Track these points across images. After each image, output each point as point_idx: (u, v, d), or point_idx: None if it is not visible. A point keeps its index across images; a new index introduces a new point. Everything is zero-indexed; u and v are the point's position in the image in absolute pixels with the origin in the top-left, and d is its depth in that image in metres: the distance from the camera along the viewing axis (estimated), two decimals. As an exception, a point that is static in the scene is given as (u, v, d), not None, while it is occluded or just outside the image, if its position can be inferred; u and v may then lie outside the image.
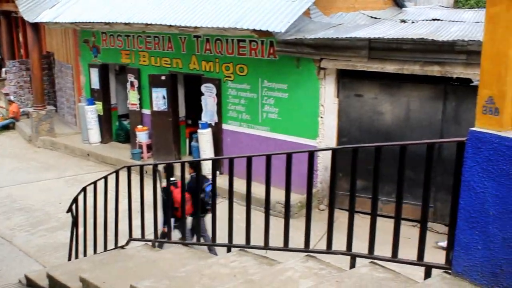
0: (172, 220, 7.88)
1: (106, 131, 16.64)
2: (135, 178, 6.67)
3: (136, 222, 6.96)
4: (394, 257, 4.36)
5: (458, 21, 12.07)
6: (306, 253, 5.01)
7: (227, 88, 12.85)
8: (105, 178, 7.28)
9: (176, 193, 7.84)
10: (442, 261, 3.95)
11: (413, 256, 4.25)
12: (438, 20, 12.45)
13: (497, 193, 3.27)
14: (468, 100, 9.82)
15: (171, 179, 7.10)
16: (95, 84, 16.46)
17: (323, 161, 11.26)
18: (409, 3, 17.08)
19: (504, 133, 3.22)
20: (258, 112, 12.40)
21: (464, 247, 3.52)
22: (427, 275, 4.13)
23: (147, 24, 12.83)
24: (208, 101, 13.22)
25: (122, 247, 7.19)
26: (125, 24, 13.40)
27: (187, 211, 7.86)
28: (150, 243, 6.84)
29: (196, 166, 7.39)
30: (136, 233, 7.03)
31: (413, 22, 12.31)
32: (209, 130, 13.11)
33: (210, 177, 6.83)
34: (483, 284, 3.43)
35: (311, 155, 4.97)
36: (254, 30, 10.89)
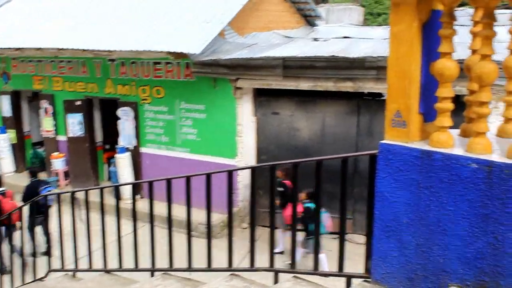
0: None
1: (20, 160, 16.10)
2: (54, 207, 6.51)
3: (57, 252, 6.79)
4: (315, 270, 4.46)
5: (368, 38, 12.52)
6: (230, 272, 5.04)
7: (144, 111, 12.75)
8: (20, 209, 7.07)
9: (4, 202, 8.58)
10: (362, 271, 4.08)
11: (335, 268, 4.37)
12: (349, 37, 12.87)
13: (409, 201, 3.42)
14: (380, 114, 10.17)
15: (0, 189, 7.40)
16: (7, 111, 15.92)
17: (243, 179, 11.34)
18: (320, 21, 17.55)
19: (412, 144, 3.38)
20: (176, 134, 12.37)
21: (381, 255, 3.66)
22: (348, 285, 4.25)
23: (59, 49, 12.59)
24: (126, 125, 13.06)
25: (41, 279, 6.97)
26: (37, 49, 13.08)
27: (14, 220, 8.11)
28: (71, 273, 6.67)
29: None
30: (57, 264, 6.85)
31: (325, 40, 12.67)
32: (127, 154, 12.94)
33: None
34: (400, 290, 3.57)
35: (230, 174, 5.02)
36: (170, 52, 10.91)
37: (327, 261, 7.99)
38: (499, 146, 3.30)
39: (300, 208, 8.74)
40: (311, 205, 8.86)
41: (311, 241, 8.86)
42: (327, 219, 9.08)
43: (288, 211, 9.27)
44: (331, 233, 9.10)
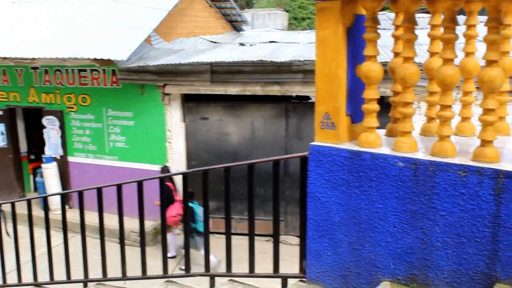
0: None
1: None
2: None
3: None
4: (251, 273, 4.50)
5: (294, 43, 12.70)
6: (165, 279, 5.01)
7: (71, 119, 12.46)
8: None
9: None
10: (297, 271, 4.15)
11: (270, 269, 4.42)
12: (275, 42, 13.01)
13: (340, 201, 3.52)
14: (308, 116, 10.36)
15: None
16: None
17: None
18: (246, 26, 17.68)
19: (341, 145, 3.48)
20: (104, 142, 12.15)
21: (315, 255, 3.74)
22: (284, 285, 4.31)
23: (-24, 57, 12.13)
24: (51, 134, 12.73)
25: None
26: (-47, 58, 12.56)
27: None
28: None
29: None
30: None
31: (251, 45, 12.76)
32: (54, 164, 12.60)
33: None
34: (335, 287, 3.65)
35: (162, 181, 5.00)
36: (95, 59, 10.71)
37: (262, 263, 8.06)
38: (423, 145, 3.44)
39: (181, 208, 8.87)
40: (192, 205, 9.19)
41: (191, 239, 9.08)
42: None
43: (170, 211, 9.51)
44: (265, 235, 9.19)
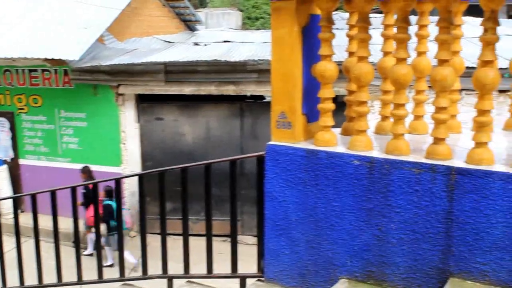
0: None
1: None
2: None
3: None
4: (209, 273, 4.49)
5: (248, 42, 12.71)
6: (122, 282, 4.95)
7: (22, 120, 12.18)
8: None
9: None
10: (256, 271, 4.15)
11: (228, 270, 4.41)
12: (229, 41, 13.01)
13: (297, 200, 3.53)
14: (263, 116, 10.38)
15: None
16: None
17: (130, 187, 11.14)
18: (200, 26, 17.61)
19: (297, 144, 3.50)
20: (57, 144, 11.93)
21: (273, 254, 3.74)
22: (242, 285, 4.31)
23: None
24: (1, 136, 12.43)
25: None
26: None
27: None
28: None
29: None
30: None
31: (205, 45, 12.72)
32: (4, 167, 12.31)
33: None
34: (293, 285, 3.67)
35: (118, 182, 4.94)
36: (46, 59, 10.51)
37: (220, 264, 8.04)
38: (378, 143, 3.49)
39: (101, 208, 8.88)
40: (111, 203, 9.27)
41: (112, 237, 9.30)
42: (127, 216, 9.39)
43: (90, 212, 9.38)
44: (222, 235, 9.16)
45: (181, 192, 4.50)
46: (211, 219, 4.48)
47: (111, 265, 9.28)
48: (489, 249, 2.96)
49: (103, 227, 9.02)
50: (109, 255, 9.67)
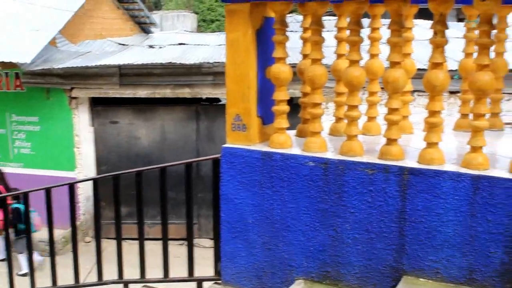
0: None
1: None
2: None
3: None
4: (166, 277, 4.46)
5: (203, 45, 12.68)
6: (76, 288, 4.88)
7: (-29, 125, 11.88)
8: None
9: None
10: (212, 274, 4.15)
11: (185, 273, 4.39)
12: (184, 44, 12.94)
13: (253, 202, 3.54)
14: (219, 118, 10.37)
15: None
16: None
17: (85, 191, 10.97)
18: (155, 28, 17.47)
19: (252, 146, 3.51)
20: (9, 149, 11.66)
21: (229, 257, 3.74)
22: (199, 288, 4.30)
23: None
24: (-50, 141, 12.09)
25: None
26: None
27: None
28: None
29: None
30: None
31: (160, 47, 12.63)
32: (-47, 172, 11.98)
33: None
34: (250, 287, 3.68)
35: (72, 187, 4.86)
36: (-4, 62, 10.28)
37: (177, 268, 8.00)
38: (332, 144, 3.52)
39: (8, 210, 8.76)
40: (19, 206, 8.97)
41: (21, 240, 8.97)
42: (36, 219, 9.26)
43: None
44: (178, 239, 9.12)
45: (136, 196, 4.46)
46: (167, 223, 4.45)
47: (24, 275, 9.01)
48: (440, 247, 3.03)
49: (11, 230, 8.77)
50: (23, 263, 9.43)
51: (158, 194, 4.36)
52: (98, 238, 4.83)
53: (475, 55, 3.07)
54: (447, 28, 3.00)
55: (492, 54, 3.52)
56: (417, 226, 3.08)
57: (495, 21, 3.60)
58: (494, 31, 3.17)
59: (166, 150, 10.89)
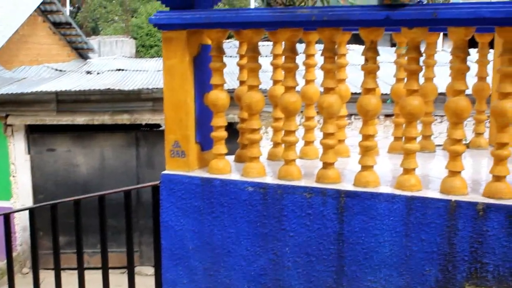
0: None
1: None
2: None
3: None
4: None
5: (142, 70, 12.64)
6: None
7: None
8: None
9: None
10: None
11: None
12: (123, 70, 12.87)
13: (193, 228, 3.54)
14: (159, 144, 10.30)
15: None
16: None
17: (21, 221, 10.67)
18: (93, 54, 17.29)
19: (192, 173, 3.52)
20: None
21: (171, 284, 3.71)
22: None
23: None
24: None
25: None
26: None
27: None
28: None
29: None
30: None
31: (98, 73, 12.52)
32: None
33: None
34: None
35: (7, 217, 4.74)
36: None
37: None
38: (271, 169, 3.57)
39: None
40: None
41: None
42: None
43: None
44: (119, 267, 8.97)
45: (75, 225, 4.38)
46: (106, 251, 4.39)
47: None
48: (378, 267, 3.10)
49: None
50: None
51: (97, 222, 4.30)
52: (35, 269, 4.71)
53: (406, 80, 3.18)
54: (378, 54, 3.11)
55: (422, 79, 3.67)
56: (355, 247, 3.14)
57: (424, 47, 3.77)
58: (422, 57, 3.31)
59: (106, 177, 10.73)
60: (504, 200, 2.90)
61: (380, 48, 3.24)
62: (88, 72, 12.82)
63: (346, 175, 3.36)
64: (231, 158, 3.78)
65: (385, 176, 3.29)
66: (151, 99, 9.78)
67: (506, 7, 2.75)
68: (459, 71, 2.99)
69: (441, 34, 4.62)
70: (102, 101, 10.05)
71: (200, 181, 3.47)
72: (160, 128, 10.40)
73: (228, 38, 3.53)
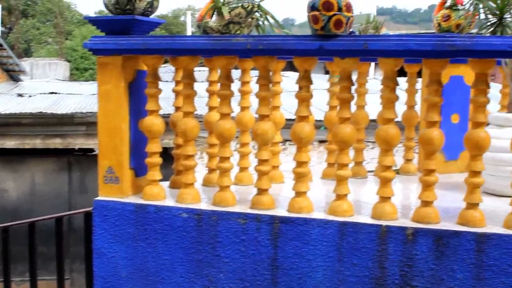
0: None
1: None
2: None
3: None
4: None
5: (76, 94, 12.43)
6: None
7: None
8: None
9: None
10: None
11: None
12: (56, 93, 12.62)
13: (127, 255, 3.49)
14: (92, 169, 10.08)
15: None
16: None
17: None
18: (25, 76, 16.87)
19: (126, 199, 3.48)
20: None
21: (103, 312, 3.64)
22: None
23: None
24: None
25: None
26: None
27: None
28: None
29: None
30: None
31: (30, 96, 12.23)
32: None
33: None
34: None
35: None
36: None
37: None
38: (206, 195, 3.58)
39: None
40: None
41: None
42: None
43: None
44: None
45: (2, 253, 4.25)
46: (36, 280, 4.27)
47: None
48: (312, 292, 3.14)
49: None
50: None
51: (27, 249, 4.18)
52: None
53: (338, 108, 3.26)
54: (311, 83, 3.18)
55: (354, 107, 3.78)
56: (289, 273, 3.17)
57: (356, 76, 3.89)
58: (354, 86, 3.41)
59: (36, 203, 10.43)
60: (432, 224, 3.01)
61: (314, 75, 3.32)
62: (20, 95, 12.49)
63: (280, 201, 3.40)
64: (166, 184, 3.76)
65: (318, 201, 3.35)
66: (85, 123, 9.62)
67: (432, 40, 2.88)
68: (388, 100, 3.10)
69: (373, 63, 4.79)
70: (34, 125, 9.81)
71: (134, 208, 3.44)
72: (94, 153, 10.22)
73: (164, 62, 3.54)
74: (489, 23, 3.62)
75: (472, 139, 2.95)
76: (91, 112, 9.48)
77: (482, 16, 3.75)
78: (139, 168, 3.57)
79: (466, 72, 4.03)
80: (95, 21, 3.52)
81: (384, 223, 3.04)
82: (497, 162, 3.46)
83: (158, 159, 3.48)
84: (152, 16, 3.56)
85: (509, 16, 3.56)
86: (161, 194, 3.48)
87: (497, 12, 3.54)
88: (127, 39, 3.34)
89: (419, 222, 3.03)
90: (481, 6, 3.65)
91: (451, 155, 4.37)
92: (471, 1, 3.73)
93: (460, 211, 3.05)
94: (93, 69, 25.32)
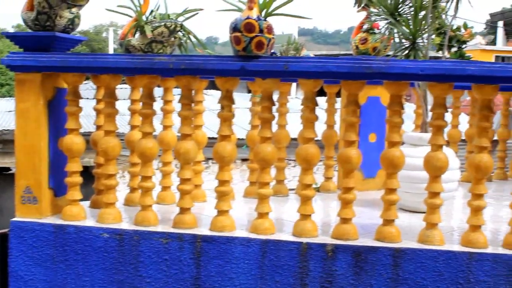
0: None
1: None
2: None
3: None
4: None
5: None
6: None
7: None
8: None
9: None
10: None
11: None
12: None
13: (45, 277, 3.40)
14: (9, 189, 9.75)
15: None
16: None
17: None
18: None
19: (44, 219, 3.39)
20: None
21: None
22: None
23: None
24: None
25: None
26: None
27: None
28: None
29: None
30: None
31: None
32: None
33: None
34: None
35: None
36: None
37: None
38: (128, 215, 3.54)
39: None
40: None
41: None
42: None
43: None
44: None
45: None
46: None
47: None
48: (234, 310, 3.16)
49: None
50: None
51: None
52: None
53: (259, 127, 3.31)
54: (233, 102, 3.23)
55: (275, 126, 3.85)
56: (211, 291, 3.18)
57: (277, 96, 3.96)
58: (276, 106, 3.48)
59: None
60: (351, 240, 3.10)
61: (237, 94, 3.37)
62: None
63: (203, 220, 3.41)
64: (86, 204, 3.69)
65: (240, 220, 3.39)
66: (1, 141, 9.30)
67: (350, 62, 2.99)
68: (308, 120, 3.18)
69: (294, 83, 4.89)
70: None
71: (53, 228, 3.35)
72: (10, 172, 9.88)
73: (86, 79, 3.50)
74: (403, 47, 3.79)
75: (388, 158, 3.07)
76: (7, 130, 9.17)
77: (397, 40, 3.92)
78: (58, 188, 3.50)
79: (383, 93, 4.18)
80: (13, 37, 3.43)
81: (304, 240, 3.11)
82: (412, 180, 3.60)
83: (78, 179, 3.41)
84: (73, 33, 3.52)
85: (421, 40, 3.75)
86: (81, 214, 3.42)
87: (410, 37, 3.71)
88: (47, 56, 3.28)
89: (339, 238, 3.12)
90: (395, 30, 3.81)
91: (369, 173, 4.52)
92: (386, 26, 3.90)
93: (377, 227, 3.16)
94: (10, 84, 24.48)
